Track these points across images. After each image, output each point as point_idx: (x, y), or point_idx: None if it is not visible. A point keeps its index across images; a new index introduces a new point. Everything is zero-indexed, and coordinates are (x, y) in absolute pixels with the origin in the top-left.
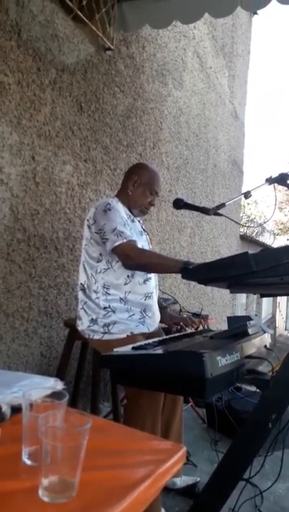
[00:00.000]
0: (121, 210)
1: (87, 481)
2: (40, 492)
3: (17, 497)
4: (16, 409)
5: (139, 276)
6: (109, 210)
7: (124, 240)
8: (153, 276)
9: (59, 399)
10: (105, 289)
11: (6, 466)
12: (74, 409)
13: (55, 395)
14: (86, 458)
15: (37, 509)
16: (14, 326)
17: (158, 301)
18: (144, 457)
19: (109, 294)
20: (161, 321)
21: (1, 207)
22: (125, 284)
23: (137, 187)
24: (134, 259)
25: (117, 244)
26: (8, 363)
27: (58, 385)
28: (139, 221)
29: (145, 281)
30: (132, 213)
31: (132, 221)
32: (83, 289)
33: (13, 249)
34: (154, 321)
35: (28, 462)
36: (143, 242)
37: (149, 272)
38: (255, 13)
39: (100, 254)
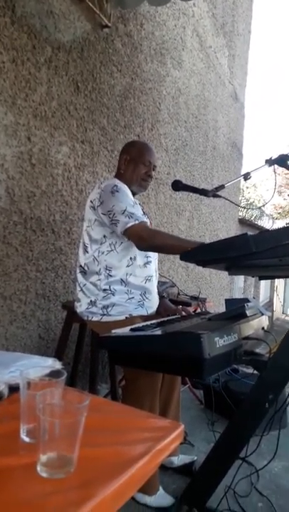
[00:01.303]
0: (128, 191)
1: (86, 458)
2: (39, 468)
3: (16, 473)
4: (13, 389)
5: (140, 259)
6: (117, 191)
7: (136, 222)
8: (153, 259)
9: (57, 377)
10: (107, 271)
11: (5, 443)
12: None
13: (54, 374)
14: (85, 435)
15: (36, 484)
16: (12, 309)
17: (157, 288)
18: (142, 434)
19: (111, 275)
20: (156, 312)
21: None
22: (127, 266)
23: (128, 164)
24: (147, 241)
25: (129, 225)
26: (7, 346)
27: (57, 364)
28: (139, 203)
29: (146, 264)
30: (133, 192)
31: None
32: (83, 271)
33: (10, 232)
34: (153, 303)
35: (26, 439)
36: None
37: (163, 253)
38: None
39: (104, 236)
